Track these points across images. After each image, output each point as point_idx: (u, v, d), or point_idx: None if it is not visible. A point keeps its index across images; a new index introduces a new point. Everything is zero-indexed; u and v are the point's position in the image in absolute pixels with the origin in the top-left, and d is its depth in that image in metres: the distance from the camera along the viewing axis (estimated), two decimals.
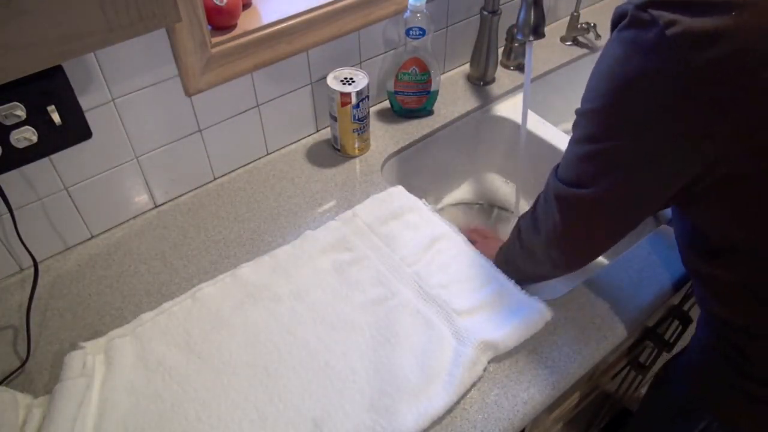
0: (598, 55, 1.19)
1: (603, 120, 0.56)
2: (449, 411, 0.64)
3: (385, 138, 0.99)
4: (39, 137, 0.66)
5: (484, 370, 0.68)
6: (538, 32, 0.90)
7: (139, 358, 0.68)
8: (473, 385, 0.66)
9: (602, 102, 0.55)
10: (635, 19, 0.50)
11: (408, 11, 0.92)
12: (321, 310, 0.73)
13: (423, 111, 1.03)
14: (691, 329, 0.97)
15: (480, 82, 1.10)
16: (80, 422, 0.62)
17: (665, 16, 0.48)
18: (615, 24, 0.54)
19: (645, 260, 0.79)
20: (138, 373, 0.67)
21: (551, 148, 1.02)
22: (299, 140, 0.99)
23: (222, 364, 0.68)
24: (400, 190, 0.88)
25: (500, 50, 1.14)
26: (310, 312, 0.73)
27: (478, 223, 1.12)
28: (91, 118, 0.72)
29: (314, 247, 0.80)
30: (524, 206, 1.11)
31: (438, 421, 0.64)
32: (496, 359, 0.69)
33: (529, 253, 0.71)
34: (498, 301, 0.74)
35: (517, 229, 0.74)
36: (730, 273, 0.60)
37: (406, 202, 0.86)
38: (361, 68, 0.93)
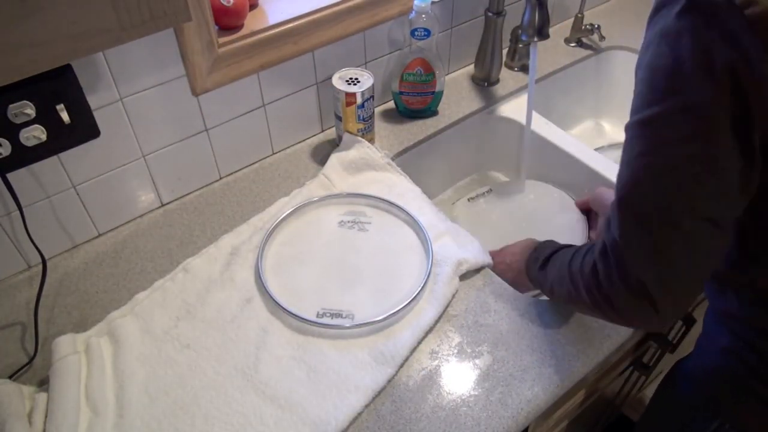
0: (602, 56, 1.21)
1: (684, 122, 0.48)
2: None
3: (390, 138, 1.00)
4: (48, 136, 0.66)
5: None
6: (542, 33, 0.90)
7: (145, 331, 0.71)
8: (453, 296, 0.75)
9: (676, 102, 0.48)
10: (702, 2, 0.45)
11: (413, 12, 0.93)
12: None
13: (427, 111, 1.04)
14: (695, 330, 0.97)
15: (484, 82, 1.11)
16: (85, 396, 0.64)
17: None
18: (661, 7, 0.49)
19: None
20: (147, 344, 0.70)
21: (555, 149, 1.02)
22: (304, 140, 0.99)
23: (226, 322, 0.72)
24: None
25: (504, 51, 1.15)
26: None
27: (485, 218, 1.12)
28: (99, 117, 0.73)
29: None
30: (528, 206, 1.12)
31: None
32: (499, 358, 0.70)
33: (587, 292, 0.59)
34: (454, 230, 0.83)
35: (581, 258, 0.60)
36: (758, 277, 0.59)
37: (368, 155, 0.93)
38: (366, 69, 0.94)
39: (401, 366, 0.68)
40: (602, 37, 1.20)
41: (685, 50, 0.47)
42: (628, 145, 0.53)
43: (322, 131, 1.01)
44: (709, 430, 0.70)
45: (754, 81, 0.45)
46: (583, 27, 1.19)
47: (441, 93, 1.02)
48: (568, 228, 0.98)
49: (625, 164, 0.53)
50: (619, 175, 0.54)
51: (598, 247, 0.58)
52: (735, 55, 0.45)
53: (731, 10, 0.44)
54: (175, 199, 0.90)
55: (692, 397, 0.74)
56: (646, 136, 0.51)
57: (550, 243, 0.74)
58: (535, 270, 0.72)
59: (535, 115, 1.02)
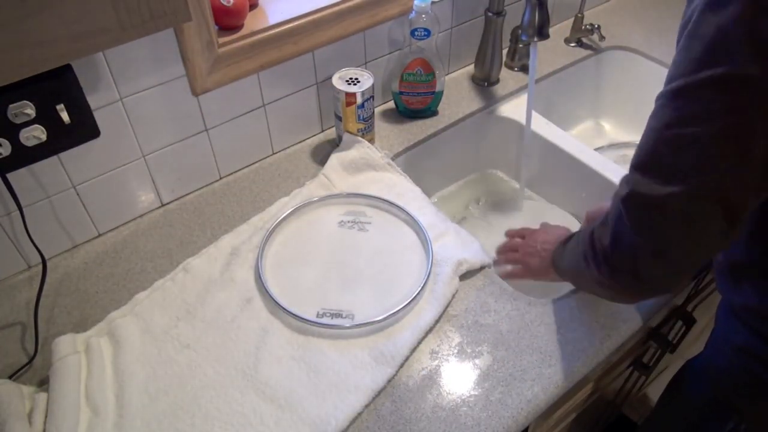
0: (602, 56, 1.21)
1: (720, 95, 0.46)
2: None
3: (390, 138, 1.00)
4: (48, 136, 0.66)
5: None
6: (542, 33, 0.91)
7: (145, 331, 0.71)
8: (453, 296, 0.75)
9: (714, 73, 0.45)
10: None
11: (413, 12, 0.93)
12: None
13: (427, 111, 1.04)
14: (695, 330, 0.97)
15: (484, 82, 1.11)
16: (85, 396, 0.64)
17: None
18: None
19: None
20: (147, 344, 0.70)
21: (555, 149, 1.02)
22: (304, 140, 0.99)
23: (226, 322, 0.72)
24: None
25: (504, 51, 1.15)
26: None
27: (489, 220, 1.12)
28: (99, 117, 0.73)
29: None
30: (529, 205, 1.12)
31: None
32: (499, 358, 0.70)
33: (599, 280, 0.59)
34: (454, 230, 0.83)
35: (591, 250, 0.59)
36: None
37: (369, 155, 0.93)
38: (366, 69, 0.94)
39: (401, 366, 0.68)
40: (602, 37, 1.20)
41: (732, 18, 0.43)
42: (657, 115, 0.50)
43: (322, 131, 1.01)
44: (725, 431, 0.69)
45: None
46: (583, 27, 1.19)
47: (441, 93, 1.02)
48: None
49: (649, 132, 0.51)
50: (640, 145, 0.52)
51: (601, 218, 0.58)
52: None
53: None
54: (175, 199, 0.90)
55: (705, 398, 0.73)
56: (677, 107, 0.48)
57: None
58: (558, 258, 0.71)
59: (535, 115, 1.02)
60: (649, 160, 0.51)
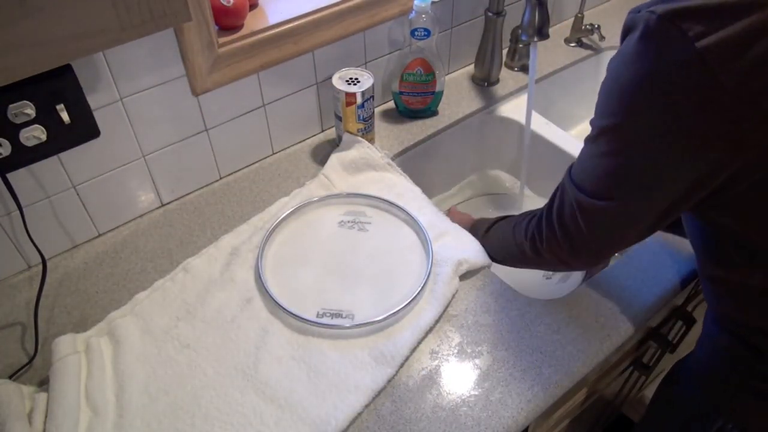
0: (602, 56, 1.21)
1: (626, 135, 0.54)
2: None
3: (390, 138, 1.00)
4: (48, 136, 0.67)
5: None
6: (542, 33, 0.90)
7: (145, 331, 0.71)
8: (453, 296, 0.75)
9: (624, 117, 0.54)
10: (658, 31, 0.48)
11: (413, 12, 0.93)
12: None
13: (427, 111, 1.04)
14: (695, 330, 0.97)
15: (484, 82, 1.11)
16: (85, 396, 0.64)
17: (694, 27, 0.46)
18: (629, 30, 0.52)
19: (649, 260, 0.80)
20: (147, 344, 0.70)
21: (555, 149, 1.02)
22: (304, 140, 0.99)
23: (226, 322, 0.72)
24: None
25: (504, 51, 1.15)
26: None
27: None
28: (99, 117, 0.73)
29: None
30: (529, 204, 1.12)
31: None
32: (499, 358, 0.70)
33: (534, 254, 0.70)
34: (454, 230, 0.83)
35: (523, 230, 0.71)
36: (749, 277, 0.60)
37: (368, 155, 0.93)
38: (366, 69, 0.94)
39: (401, 366, 0.68)
40: (602, 37, 1.20)
41: (635, 75, 0.51)
42: (591, 142, 0.60)
43: (322, 131, 1.01)
44: (712, 431, 0.70)
45: (692, 112, 0.48)
46: (583, 27, 1.19)
47: (441, 93, 1.02)
48: None
49: (585, 156, 0.61)
50: (579, 159, 0.62)
51: (539, 213, 0.70)
52: (679, 87, 0.48)
53: (683, 41, 0.46)
54: (175, 199, 0.90)
55: (693, 397, 0.74)
56: (604, 141, 0.57)
57: (484, 220, 0.84)
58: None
59: (535, 115, 1.02)
60: (585, 176, 0.61)
